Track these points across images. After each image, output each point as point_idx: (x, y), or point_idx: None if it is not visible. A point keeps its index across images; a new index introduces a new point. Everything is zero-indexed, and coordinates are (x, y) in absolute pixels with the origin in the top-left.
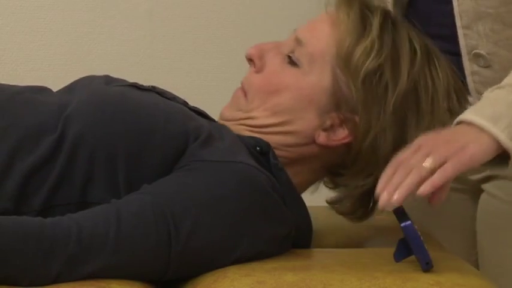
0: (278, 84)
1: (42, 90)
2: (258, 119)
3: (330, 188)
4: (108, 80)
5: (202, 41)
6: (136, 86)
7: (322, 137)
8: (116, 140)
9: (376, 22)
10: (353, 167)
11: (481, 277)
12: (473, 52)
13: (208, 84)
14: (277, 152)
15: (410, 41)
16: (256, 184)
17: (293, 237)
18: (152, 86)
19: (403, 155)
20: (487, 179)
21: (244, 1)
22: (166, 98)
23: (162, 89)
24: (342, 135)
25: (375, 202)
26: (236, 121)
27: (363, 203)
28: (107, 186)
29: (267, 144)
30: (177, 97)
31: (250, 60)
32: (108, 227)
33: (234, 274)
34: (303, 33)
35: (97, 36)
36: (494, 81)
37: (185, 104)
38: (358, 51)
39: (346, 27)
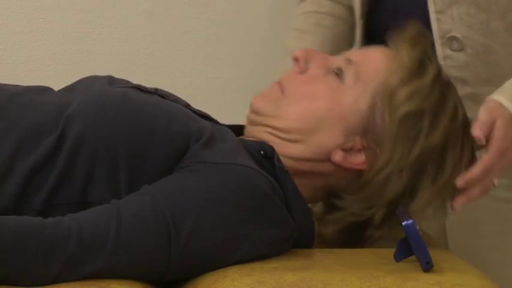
0: (316, 91)
1: (43, 91)
2: (285, 119)
3: (324, 211)
4: (111, 80)
5: (202, 41)
6: (139, 88)
7: (338, 156)
8: (117, 141)
9: (432, 70)
10: (357, 194)
11: (481, 277)
12: (447, 36)
13: (208, 85)
14: (289, 162)
15: (455, 104)
16: (256, 187)
17: (294, 239)
18: (155, 89)
19: (491, 160)
20: None
21: (245, 1)
22: (169, 100)
23: (165, 91)
24: (358, 160)
25: (360, 238)
26: (263, 117)
27: (348, 234)
28: (107, 186)
29: (271, 148)
30: (180, 99)
31: (295, 60)
32: (108, 228)
33: (234, 274)
34: (355, 55)
35: (97, 36)
36: (467, 65)
37: (188, 106)
38: (406, 90)
39: (403, 63)
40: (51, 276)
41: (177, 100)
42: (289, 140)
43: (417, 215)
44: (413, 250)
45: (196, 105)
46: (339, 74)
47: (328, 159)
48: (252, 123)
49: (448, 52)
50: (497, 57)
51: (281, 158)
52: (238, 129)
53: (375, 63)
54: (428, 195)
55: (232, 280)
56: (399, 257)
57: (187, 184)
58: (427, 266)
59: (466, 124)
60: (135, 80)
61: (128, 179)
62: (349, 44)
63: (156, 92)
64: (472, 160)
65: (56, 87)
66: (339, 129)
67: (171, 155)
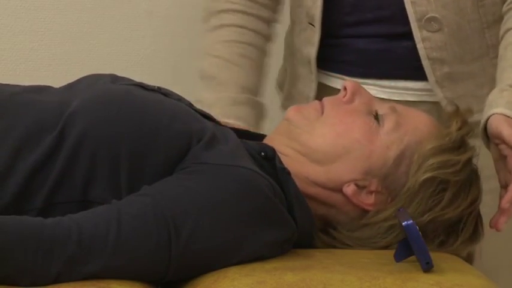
0: (354, 123)
1: (43, 90)
2: (315, 138)
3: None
4: (114, 78)
5: (202, 41)
6: (142, 86)
7: (350, 189)
8: (119, 139)
9: (469, 154)
10: (354, 232)
11: (481, 277)
12: (426, 17)
13: None
14: (300, 183)
15: (479, 191)
16: (256, 189)
17: (295, 240)
18: (158, 87)
19: None
20: None
21: None
22: (171, 99)
23: (168, 90)
24: (367, 201)
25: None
26: (295, 128)
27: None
28: (108, 185)
29: (272, 149)
30: (183, 98)
31: (344, 89)
32: (108, 228)
33: (234, 274)
34: (401, 108)
35: (97, 36)
36: (445, 44)
37: (191, 105)
38: (441, 158)
39: (447, 135)
40: (51, 277)
41: (180, 99)
42: (311, 159)
43: None
44: (413, 250)
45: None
46: (379, 118)
47: (339, 190)
48: (281, 133)
49: (426, 34)
50: (466, 34)
51: (294, 177)
52: (239, 132)
53: (419, 122)
54: None
55: (232, 280)
56: (399, 257)
57: (188, 185)
58: (427, 267)
59: (479, 214)
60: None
61: (128, 178)
62: (263, 74)
63: (159, 90)
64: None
65: (56, 87)
66: (361, 165)
67: (173, 154)
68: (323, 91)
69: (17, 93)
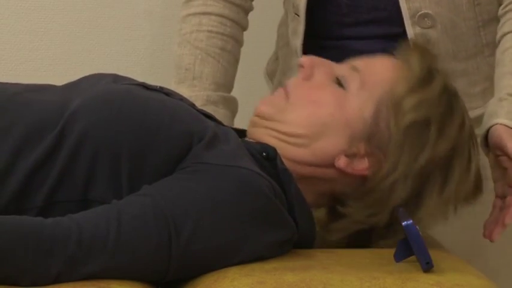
0: (322, 97)
1: (44, 89)
2: (290, 124)
3: (328, 218)
4: (116, 78)
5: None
6: (144, 86)
7: (342, 162)
8: (120, 138)
9: (440, 81)
10: (362, 200)
11: (481, 277)
12: (419, 14)
13: None
14: (291, 165)
15: (463, 115)
16: (257, 189)
17: (295, 241)
18: (160, 87)
19: None
20: None
21: None
22: (173, 98)
23: (170, 90)
24: (361, 166)
25: (367, 243)
26: (267, 120)
27: (356, 240)
28: (109, 184)
29: (274, 150)
30: (185, 98)
31: (301, 67)
32: (108, 228)
33: (234, 274)
34: (361, 64)
35: (97, 36)
36: (438, 41)
37: (193, 105)
38: (414, 98)
39: (411, 73)
40: (51, 277)
41: (182, 99)
42: (293, 144)
43: (423, 223)
44: (413, 250)
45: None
46: (342, 81)
47: (331, 164)
48: (255, 125)
49: (419, 30)
50: (460, 32)
51: (284, 160)
52: (241, 132)
53: (381, 71)
54: (434, 204)
55: (232, 280)
56: (399, 257)
57: (189, 185)
58: (427, 266)
59: (472, 133)
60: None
61: (129, 177)
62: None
63: (161, 90)
64: (478, 172)
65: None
66: (342, 136)
67: (173, 154)
68: None
69: (18, 93)
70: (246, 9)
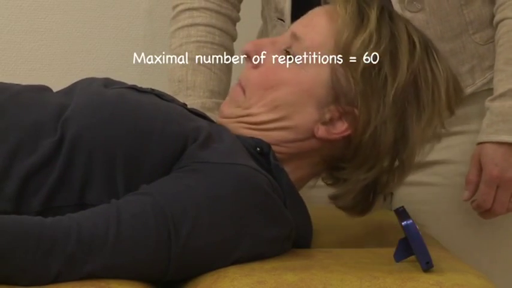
0: (276, 79)
1: (43, 90)
2: (257, 115)
3: (329, 184)
4: (107, 82)
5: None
6: (135, 88)
7: (321, 131)
8: (114, 142)
9: (373, 15)
10: (354, 160)
11: (481, 277)
12: None
13: None
14: (276, 148)
15: (409, 34)
16: (256, 186)
17: (293, 237)
18: (151, 89)
19: None
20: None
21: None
22: (165, 100)
23: (161, 91)
24: (341, 128)
25: (376, 196)
26: (235, 118)
27: (364, 197)
28: (105, 188)
29: (268, 145)
30: (176, 99)
31: (247, 56)
32: (107, 227)
33: (234, 274)
34: (300, 29)
35: (97, 36)
36: (427, 24)
37: (184, 105)
38: (356, 44)
39: (344, 20)
40: (50, 276)
41: (173, 100)
42: (267, 130)
43: (417, 153)
44: (413, 250)
45: None
46: (289, 52)
47: (312, 136)
48: (228, 124)
49: (409, 14)
50: (445, 12)
51: (272, 146)
52: None
53: (319, 31)
54: (419, 133)
55: (232, 280)
56: (399, 257)
57: (187, 183)
58: (427, 266)
59: (426, 44)
60: (135, 80)
61: (125, 180)
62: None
63: (152, 92)
64: (448, 76)
65: (56, 87)
66: (310, 107)
67: (168, 156)
68: None
69: (17, 93)
70: (233, 19)
